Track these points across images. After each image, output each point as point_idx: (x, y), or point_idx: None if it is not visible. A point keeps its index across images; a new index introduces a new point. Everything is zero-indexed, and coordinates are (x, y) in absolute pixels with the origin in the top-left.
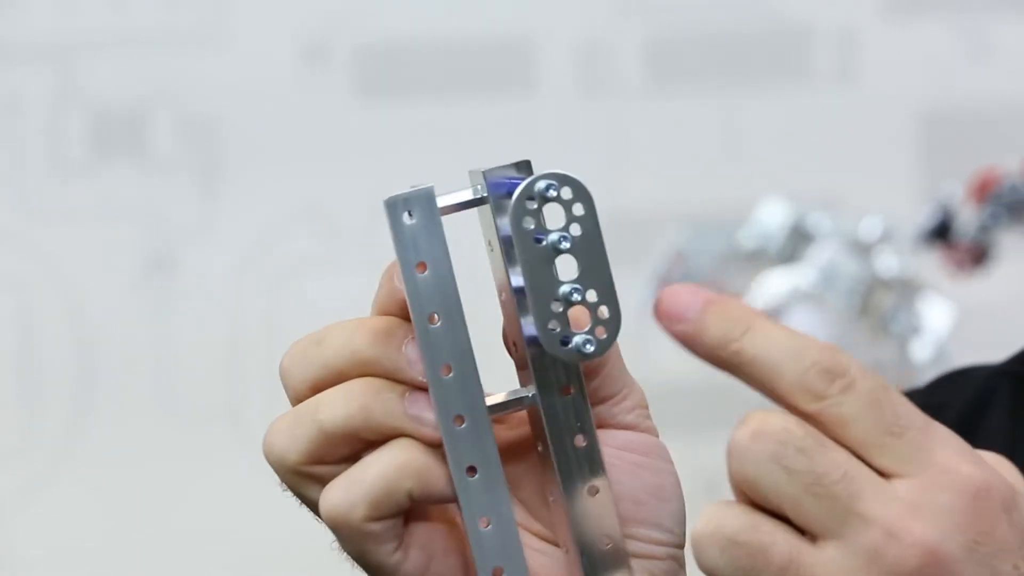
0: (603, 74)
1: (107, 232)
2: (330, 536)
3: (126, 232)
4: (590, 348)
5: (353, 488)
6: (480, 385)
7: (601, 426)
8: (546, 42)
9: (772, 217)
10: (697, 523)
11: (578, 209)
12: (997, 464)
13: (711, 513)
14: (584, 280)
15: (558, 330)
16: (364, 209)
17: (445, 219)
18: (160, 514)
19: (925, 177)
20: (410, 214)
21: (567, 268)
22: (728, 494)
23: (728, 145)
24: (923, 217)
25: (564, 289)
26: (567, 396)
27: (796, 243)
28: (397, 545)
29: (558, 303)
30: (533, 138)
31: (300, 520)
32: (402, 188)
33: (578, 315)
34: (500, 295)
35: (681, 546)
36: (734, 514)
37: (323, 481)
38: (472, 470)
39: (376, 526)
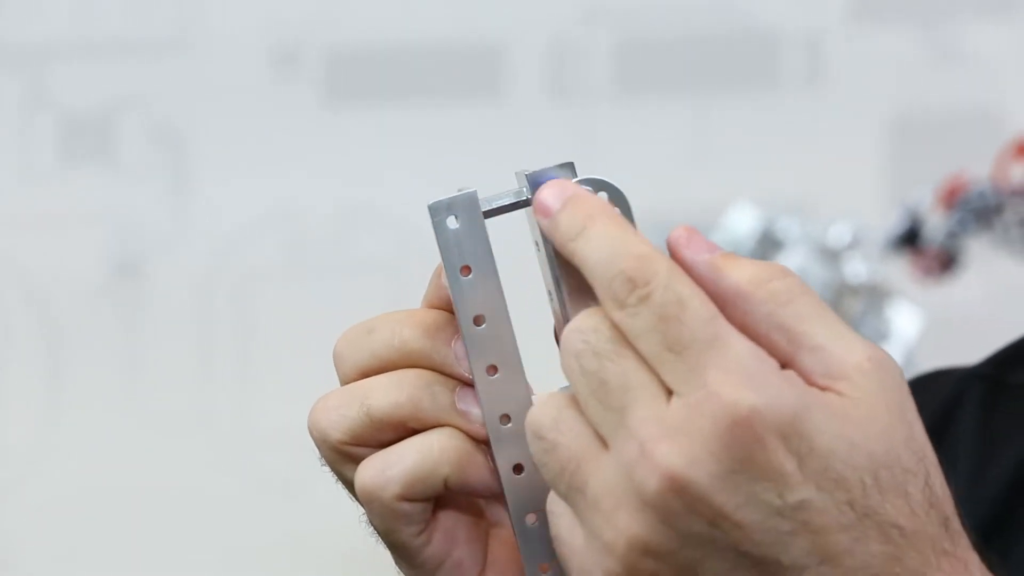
0: (572, 79)
1: (76, 237)
2: (303, 537)
3: (95, 237)
4: None
5: (391, 467)
6: (527, 385)
7: None
8: (515, 47)
9: (741, 223)
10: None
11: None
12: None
13: (536, 403)
14: None
15: None
16: (334, 214)
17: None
18: (129, 520)
19: (893, 183)
20: (455, 218)
21: None
22: None
23: (696, 151)
24: (891, 223)
25: None
26: None
27: (765, 249)
28: (423, 528)
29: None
30: (502, 143)
31: (271, 524)
32: (447, 192)
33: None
34: (549, 295)
35: None
36: (549, 408)
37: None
38: (519, 468)
39: (407, 506)
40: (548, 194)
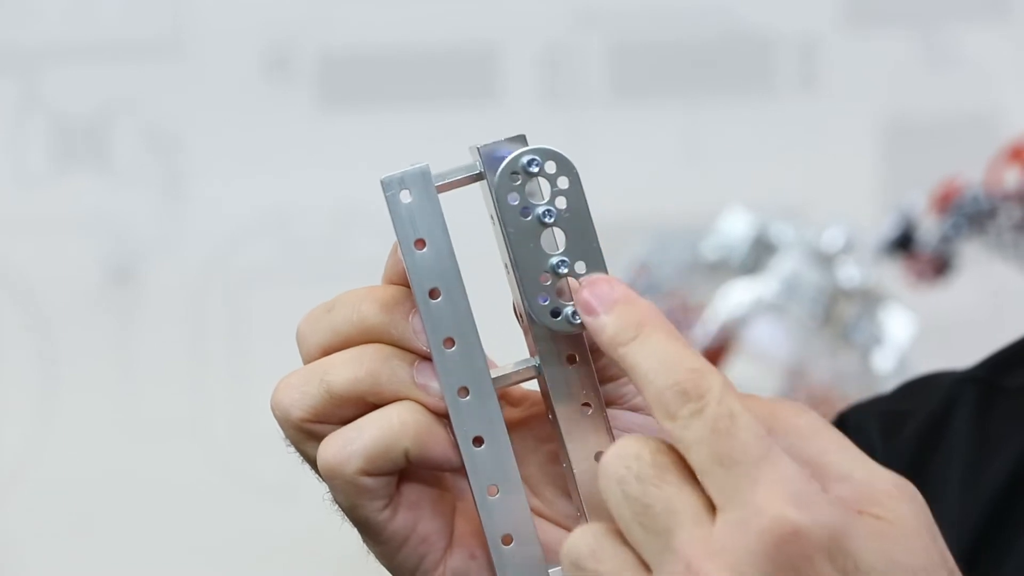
0: (565, 83)
1: (69, 242)
2: (298, 540)
3: (88, 242)
4: (579, 319)
5: (351, 442)
6: (484, 357)
7: (608, 405)
8: (508, 51)
9: (735, 228)
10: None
11: (563, 183)
12: (890, 493)
13: (573, 534)
14: (571, 252)
15: (547, 302)
16: (327, 218)
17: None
18: (122, 524)
19: (887, 187)
20: (408, 192)
21: (560, 241)
22: None
23: (690, 155)
24: (885, 227)
25: (552, 261)
26: (571, 366)
27: (759, 254)
28: (387, 503)
29: (547, 275)
30: None
31: (266, 527)
32: (399, 168)
33: (571, 286)
34: (505, 268)
35: None
36: (586, 537)
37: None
38: (479, 440)
39: (369, 481)
40: (593, 294)
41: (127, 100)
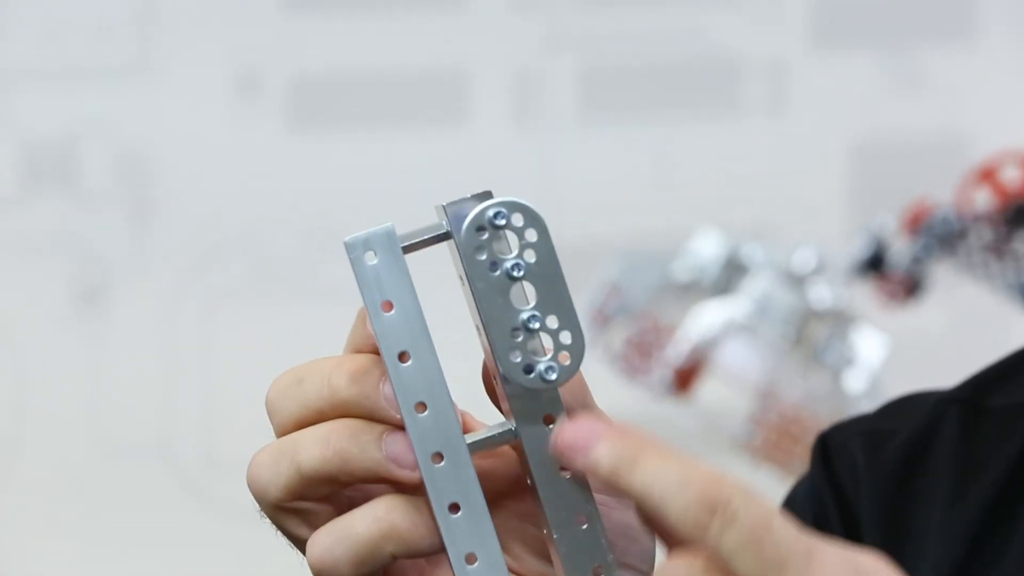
0: (536, 105)
1: (38, 265)
2: (267, 566)
3: (57, 265)
4: (552, 375)
5: (339, 545)
6: (457, 421)
7: None
8: (479, 73)
9: (706, 249)
10: None
11: (531, 235)
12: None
13: None
14: (543, 307)
15: (519, 359)
16: (296, 240)
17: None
18: (92, 548)
19: (858, 209)
20: (373, 254)
21: (530, 296)
22: None
23: (661, 177)
24: (856, 248)
25: (523, 317)
26: (549, 427)
27: (730, 275)
28: None
29: (518, 332)
30: (466, 169)
31: (235, 552)
32: (362, 229)
33: (543, 343)
34: (477, 329)
35: None
36: None
37: (304, 516)
38: (455, 507)
39: None
40: (577, 433)
41: (97, 123)
